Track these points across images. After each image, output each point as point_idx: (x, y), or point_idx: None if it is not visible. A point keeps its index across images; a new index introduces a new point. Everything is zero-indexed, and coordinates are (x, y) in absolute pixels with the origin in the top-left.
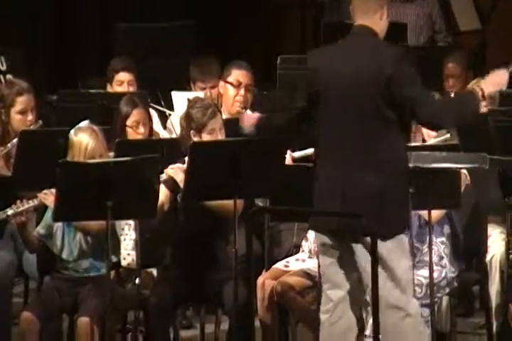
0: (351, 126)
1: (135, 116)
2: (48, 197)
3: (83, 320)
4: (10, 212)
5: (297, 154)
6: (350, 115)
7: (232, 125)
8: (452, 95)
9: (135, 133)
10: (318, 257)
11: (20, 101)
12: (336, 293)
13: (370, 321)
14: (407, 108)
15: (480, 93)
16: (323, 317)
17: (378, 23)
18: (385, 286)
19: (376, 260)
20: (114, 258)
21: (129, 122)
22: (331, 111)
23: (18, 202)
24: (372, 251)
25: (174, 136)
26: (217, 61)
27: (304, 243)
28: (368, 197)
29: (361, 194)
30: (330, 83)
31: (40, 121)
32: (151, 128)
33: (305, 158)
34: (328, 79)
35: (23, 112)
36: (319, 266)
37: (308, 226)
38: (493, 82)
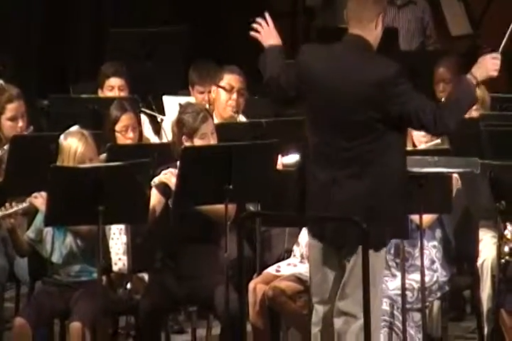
0: (339, 136)
1: (124, 121)
2: (38, 199)
3: (75, 325)
4: None
5: (287, 160)
6: (337, 125)
7: (224, 129)
8: (450, 91)
9: (124, 137)
10: (310, 269)
11: (10, 108)
12: (324, 308)
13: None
14: (410, 122)
15: (474, 81)
16: (313, 329)
17: (373, 32)
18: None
19: (367, 265)
20: (103, 263)
21: (117, 127)
22: (316, 117)
23: (7, 204)
24: (364, 258)
25: (165, 140)
26: (216, 65)
27: (295, 248)
28: (356, 206)
29: (349, 203)
30: (316, 90)
31: (32, 127)
32: (140, 133)
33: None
34: (315, 86)
35: (13, 119)
36: (311, 275)
37: (303, 231)
38: (486, 67)
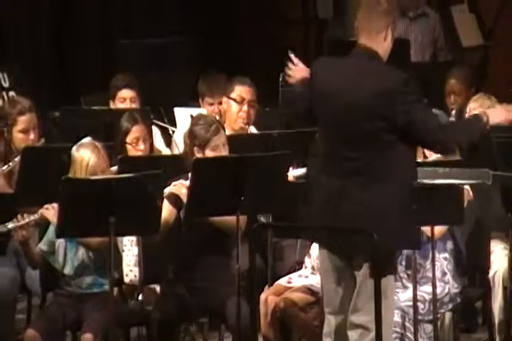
0: (346, 146)
1: (135, 132)
2: (49, 211)
3: (86, 337)
4: (10, 225)
5: (297, 172)
6: (344, 134)
7: (235, 141)
8: (465, 117)
9: (135, 149)
10: (321, 279)
11: (22, 121)
12: (336, 318)
13: None
14: (412, 134)
15: (485, 119)
16: (325, 339)
17: (382, 43)
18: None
19: (378, 277)
20: (115, 275)
21: (128, 139)
22: (326, 127)
23: (19, 216)
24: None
25: (177, 152)
26: (226, 77)
27: (306, 259)
28: (364, 217)
29: (357, 213)
30: (326, 100)
31: (43, 140)
32: (151, 145)
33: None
34: (324, 97)
35: (24, 131)
36: (322, 285)
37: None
38: (501, 113)
